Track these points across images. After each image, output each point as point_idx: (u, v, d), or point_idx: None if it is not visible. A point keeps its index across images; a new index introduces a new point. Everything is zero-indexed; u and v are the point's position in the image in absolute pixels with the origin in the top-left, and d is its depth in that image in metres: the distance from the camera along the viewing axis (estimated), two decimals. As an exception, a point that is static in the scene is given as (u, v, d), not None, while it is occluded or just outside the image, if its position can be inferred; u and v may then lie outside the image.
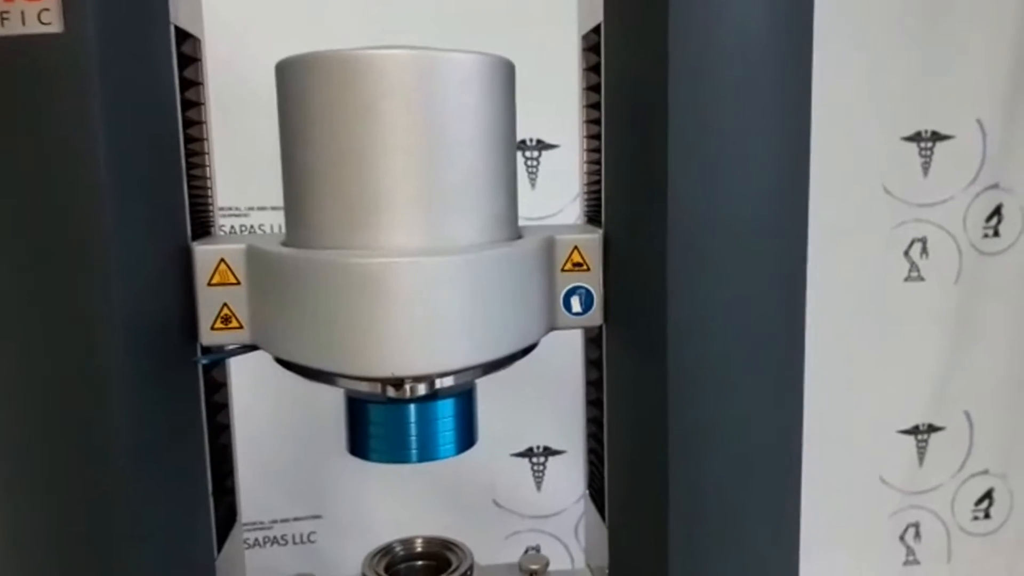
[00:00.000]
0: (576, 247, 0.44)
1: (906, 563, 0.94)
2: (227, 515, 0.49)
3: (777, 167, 0.40)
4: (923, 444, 0.93)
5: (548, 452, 0.89)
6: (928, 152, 0.90)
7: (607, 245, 0.44)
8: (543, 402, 0.85)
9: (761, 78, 0.38)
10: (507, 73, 0.42)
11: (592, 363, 0.51)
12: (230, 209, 0.78)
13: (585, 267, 0.45)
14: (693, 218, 0.38)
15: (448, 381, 0.40)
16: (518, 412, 0.83)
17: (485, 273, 0.39)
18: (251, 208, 0.80)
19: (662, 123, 0.37)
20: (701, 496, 0.40)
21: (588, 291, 0.45)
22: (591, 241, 0.44)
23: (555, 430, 0.88)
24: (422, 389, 0.39)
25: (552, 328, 0.45)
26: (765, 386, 0.40)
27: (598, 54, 0.44)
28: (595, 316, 0.45)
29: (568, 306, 0.45)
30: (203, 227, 0.46)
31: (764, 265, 0.40)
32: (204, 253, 0.42)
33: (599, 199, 0.46)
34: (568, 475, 0.89)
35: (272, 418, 0.79)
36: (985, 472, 0.94)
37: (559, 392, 0.84)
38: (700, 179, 0.38)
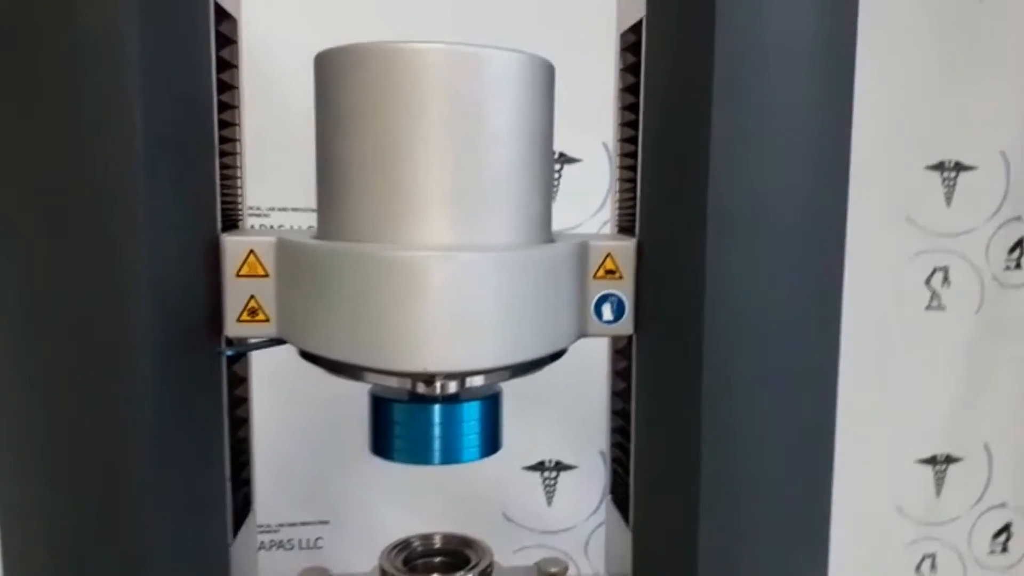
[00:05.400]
0: (609, 254, 0.44)
1: (920, 595, 0.92)
2: (242, 505, 0.48)
3: (818, 175, 0.39)
4: (941, 474, 0.91)
5: (560, 467, 0.88)
6: (951, 182, 0.89)
7: (641, 253, 0.44)
8: (555, 417, 0.84)
9: (807, 81, 0.37)
10: (547, 74, 0.41)
11: (618, 374, 0.50)
12: (251, 209, 0.78)
13: (618, 275, 0.44)
14: (733, 224, 0.37)
15: (478, 380, 0.39)
16: (530, 425, 0.82)
17: (520, 272, 0.38)
18: (272, 208, 0.80)
19: (704, 123, 0.36)
20: (733, 501, 0.39)
21: (620, 299, 0.44)
22: (625, 248, 0.44)
23: (567, 445, 0.87)
24: (452, 387, 0.38)
25: (582, 335, 0.44)
26: (800, 394, 0.40)
27: (636, 54, 0.44)
28: (626, 325, 0.45)
29: (599, 313, 0.44)
30: (231, 221, 0.46)
31: (802, 274, 0.39)
32: (234, 244, 0.42)
33: (632, 207, 0.46)
34: (579, 491, 0.87)
35: (282, 423, 0.78)
36: (1003, 505, 0.93)
37: (572, 408, 0.83)
38: (742, 184, 0.37)
